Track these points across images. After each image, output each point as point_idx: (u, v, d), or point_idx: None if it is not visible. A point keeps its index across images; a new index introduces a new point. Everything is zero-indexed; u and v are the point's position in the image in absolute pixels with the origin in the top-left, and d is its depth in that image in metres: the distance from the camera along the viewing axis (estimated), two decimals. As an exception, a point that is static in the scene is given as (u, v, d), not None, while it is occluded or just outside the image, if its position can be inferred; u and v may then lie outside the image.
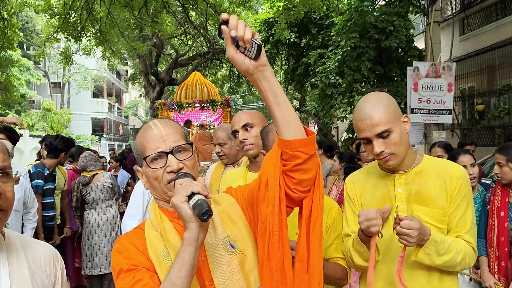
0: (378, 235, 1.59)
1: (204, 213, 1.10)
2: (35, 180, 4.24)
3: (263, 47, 1.19)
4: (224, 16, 1.16)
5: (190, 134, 14.26)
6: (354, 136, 10.95)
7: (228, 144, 2.96)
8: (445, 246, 1.65)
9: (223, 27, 1.16)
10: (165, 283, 1.13)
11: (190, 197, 1.15)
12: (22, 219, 3.80)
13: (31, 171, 4.28)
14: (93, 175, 4.96)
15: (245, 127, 2.32)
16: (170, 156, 1.31)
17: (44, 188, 4.35)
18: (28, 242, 1.33)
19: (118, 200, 5.64)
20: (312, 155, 1.22)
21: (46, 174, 4.38)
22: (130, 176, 8.06)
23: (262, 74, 1.19)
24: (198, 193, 1.15)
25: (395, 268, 1.63)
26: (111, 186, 5.06)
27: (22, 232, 3.76)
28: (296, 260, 1.28)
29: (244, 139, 2.31)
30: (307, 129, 1.25)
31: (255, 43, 1.16)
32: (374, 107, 1.72)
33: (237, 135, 2.39)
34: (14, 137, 4.13)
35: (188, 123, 13.38)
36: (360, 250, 1.72)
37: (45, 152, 4.56)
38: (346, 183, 2.03)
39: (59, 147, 4.43)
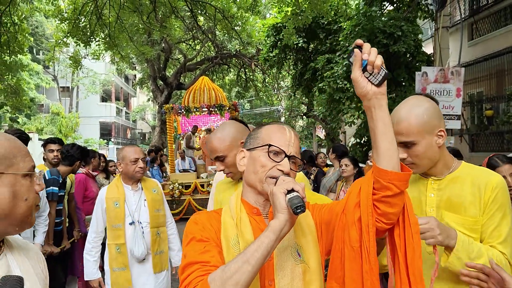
0: None
1: (298, 207, 1.17)
2: (51, 187, 4.22)
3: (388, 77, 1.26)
4: (359, 41, 1.25)
5: (198, 138, 14.32)
6: (362, 141, 10.93)
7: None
8: (475, 249, 1.58)
9: (356, 50, 1.24)
10: (239, 258, 1.16)
11: (289, 192, 1.22)
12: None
13: (47, 178, 4.29)
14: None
15: (218, 159, 2.19)
16: (286, 159, 1.40)
17: (59, 195, 4.37)
18: (19, 241, 1.34)
19: None
20: (402, 192, 1.27)
21: (60, 181, 4.39)
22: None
23: (379, 102, 1.25)
24: (298, 192, 1.22)
25: (432, 273, 1.57)
26: None
27: (34, 236, 3.79)
28: None
29: (221, 170, 2.21)
30: (404, 166, 1.30)
31: (383, 70, 1.23)
32: (406, 114, 1.68)
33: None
34: (22, 138, 4.20)
35: (195, 129, 13.45)
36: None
37: (50, 155, 4.55)
38: None
39: (76, 155, 4.42)
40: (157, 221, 3.36)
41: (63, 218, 4.44)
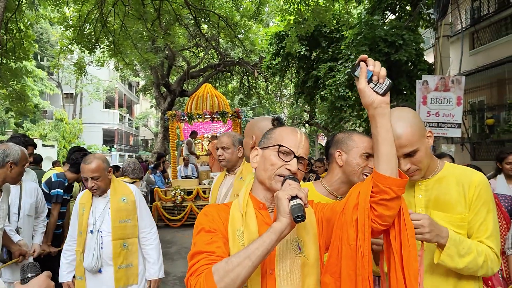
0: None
1: (299, 216, 1.27)
2: (56, 189, 4.28)
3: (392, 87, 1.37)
4: (363, 56, 1.39)
5: (201, 145, 14.37)
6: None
7: (231, 149, 3.11)
8: (465, 246, 1.67)
9: (361, 63, 1.38)
10: (242, 253, 1.29)
11: (293, 198, 1.31)
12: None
13: (53, 180, 4.35)
14: (132, 182, 5.06)
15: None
16: (295, 159, 1.49)
17: (64, 197, 4.43)
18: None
19: None
20: (399, 196, 1.38)
21: (66, 184, 4.45)
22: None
23: (383, 111, 1.37)
24: (301, 199, 1.31)
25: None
26: (145, 194, 5.20)
27: (33, 237, 3.84)
28: None
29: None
30: (401, 173, 1.41)
31: (388, 80, 1.36)
32: (402, 126, 1.72)
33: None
34: (29, 144, 4.30)
35: (193, 134, 13.49)
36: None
37: (50, 159, 4.63)
38: None
39: None
40: (122, 232, 3.14)
41: (64, 220, 4.49)
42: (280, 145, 1.50)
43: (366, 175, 1.91)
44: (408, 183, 1.87)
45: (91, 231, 3.12)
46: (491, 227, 1.76)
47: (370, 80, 1.35)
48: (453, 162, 4.06)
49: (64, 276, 3.24)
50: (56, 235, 4.34)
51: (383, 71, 1.34)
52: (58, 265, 3.34)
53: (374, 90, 1.35)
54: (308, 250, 1.50)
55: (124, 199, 3.22)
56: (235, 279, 1.25)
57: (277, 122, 2.43)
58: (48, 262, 3.95)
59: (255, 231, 1.44)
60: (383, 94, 1.35)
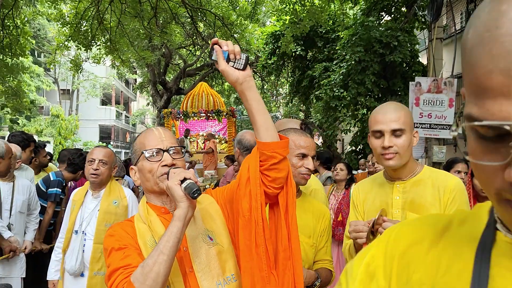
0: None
1: (194, 192, 1.33)
2: (55, 188, 4.31)
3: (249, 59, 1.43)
4: (214, 40, 1.43)
5: (196, 143, 14.40)
6: (358, 149, 11.04)
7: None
8: None
9: (215, 46, 1.43)
10: (153, 252, 1.29)
11: (182, 181, 1.36)
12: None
13: (51, 179, 4.38)
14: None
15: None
16: (166, 153, 1.52)
17: (61, 197, 4.46)
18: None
19: None
20: (285, 157, 1.43)
21: (63, 184, 4.48)
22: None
23: (248, 84, 1.42)
24: (190, 179, 1.36)
25: None
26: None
27: (25, 233, 3.88)
28: (280, 250, 1.46)
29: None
30: (282, 136, 1.47)
31: (243, 54, 1.42)
32: (397, 108, 1.85)
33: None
34: (30, 141, 4.37)
35: (187, 132, 13.54)
36: (354, 256, 1.83)
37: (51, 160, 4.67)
38: (353, 189, 2.20)
39: (79, 165, 4.46)
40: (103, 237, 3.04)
41: (56, 219, 4.52)
42: (144, 151, 1.52)
43: (303, 175, 1.99)
44: (387, 184, 1.97)
45: (76, 232, 2.99)
46: None
47: (228, 60, 1.41)
48: (468, 167, 3.82)
49: (52, 273, 3.20)
50: (48, 231, 4.38)
51: (237, 48, 1.40)
52: (47, 261, 3.38)
53: (235, 67, 1.41)
54: (220, 238, 1.52)
55: (115, 202, 3.06)
56: (155, 278, 1.23)
57: (305, 127, 2.53)
58: (40, 258, 4.01)
59: None
60: (243, 69, 1.41)
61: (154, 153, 1.52)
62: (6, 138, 4.65)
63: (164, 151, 1.52)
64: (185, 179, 1.36)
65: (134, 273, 1.27)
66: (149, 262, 1.26)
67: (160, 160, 1.51)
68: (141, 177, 1.57)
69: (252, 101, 1.43)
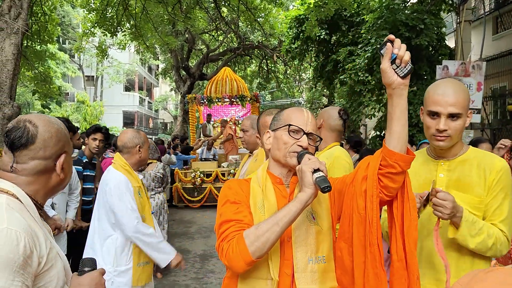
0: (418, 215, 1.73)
1: (325, 187, 1.42)
2: (74, 166, 4.54)
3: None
4: (391, 36, 1.44)
5: (219, 128, 14.54)
6: (382, 134, 10.98)
7: (249, 131, 3.28)
8: (476, 227, 1.75)
9: (388, 43, 1.43)
10: (271, 220, 1.45)
11: (315, 170, 1.47)
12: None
13: None
14: (148, 164, 5.23)
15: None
16: (305, 136, 1.63)
17: (84, 174, 4.65)
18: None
19: (165, 188, 6.03)
20: (404, 171, 1.49)
21: (84, 161, 4.65)
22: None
23: (401, 92, 1.45)
24: (322, 171, 1.47)
25: (434, 241, 1.76)
26: (162, 176, 5.40)
27: (66, 212, 4.07)
28: (394, 260, 1.52)
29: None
30: (410, 150, 1.51)
31: (409, 65, 1.42)
32: (457, 90, 1.83)
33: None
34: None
35: (209, 117, 13.63)
36: None
37: (92, 143, 4.75)
38: None
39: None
40: None
41: (93, 196, 4.70)
42: (290, 125, 1.63)
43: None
44: (431, 162, 2.00)
45: (153, 212, 3.08)
46: (505, 212, 1.83)
47: (393, 61, 1.42)
48: (492, 148, 4.00)
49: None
50: (86, 210, 4.57)
51: (407, 56, 1.40)
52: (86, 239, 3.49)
53: (395, 72, 1.42)
54: (321, 220, 1.64)
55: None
56: (265, 243, 1.42)
57: (343, 113, 2.67)
58: (79, 235, 4.20)
59: (274, 203, 1.60)
60: (403, 77, 1.42)
61: (296, 132, 1.63)
62: None
63: (305, 133, 1.63)
64: (318, 169, 1.47)
65: (247, 230, 1.46)
66: (264, 227, 1.43)
67: (298, 139, 1.62)
68: (274, 144, 1.69)
69: (397, 108, 1.45)
